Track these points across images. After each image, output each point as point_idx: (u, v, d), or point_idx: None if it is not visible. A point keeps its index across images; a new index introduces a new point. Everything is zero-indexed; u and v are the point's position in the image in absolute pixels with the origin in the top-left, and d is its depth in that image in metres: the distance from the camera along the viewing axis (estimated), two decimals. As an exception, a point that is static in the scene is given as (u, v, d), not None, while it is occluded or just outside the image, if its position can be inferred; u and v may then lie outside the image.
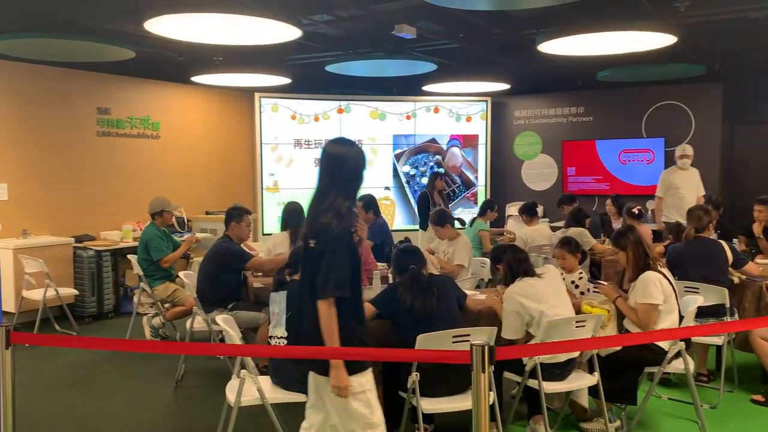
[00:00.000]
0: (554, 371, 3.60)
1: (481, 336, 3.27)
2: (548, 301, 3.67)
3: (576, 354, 3.66)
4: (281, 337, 3.61)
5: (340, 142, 2.87)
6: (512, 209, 9.70)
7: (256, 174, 9.27)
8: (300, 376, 3.47)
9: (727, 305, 4.46)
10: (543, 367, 3.51)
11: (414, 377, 3.23)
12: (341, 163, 2.77)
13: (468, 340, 3.28)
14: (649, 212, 8.76)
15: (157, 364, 5.36)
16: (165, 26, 5.03)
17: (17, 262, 6.44)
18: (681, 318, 3.99)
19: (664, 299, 3.87)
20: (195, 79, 7.83)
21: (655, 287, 3.82)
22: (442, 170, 9.60)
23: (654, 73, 7.76)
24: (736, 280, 4.91)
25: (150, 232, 6.07)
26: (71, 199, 7.48)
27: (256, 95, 9.08)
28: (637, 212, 6.70)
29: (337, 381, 2.64)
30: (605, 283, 4.21)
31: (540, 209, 8.87)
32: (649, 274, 3.87)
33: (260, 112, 9.18)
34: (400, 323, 3.59)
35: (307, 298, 2.74)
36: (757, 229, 5.87)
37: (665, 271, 4.02)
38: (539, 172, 10.37)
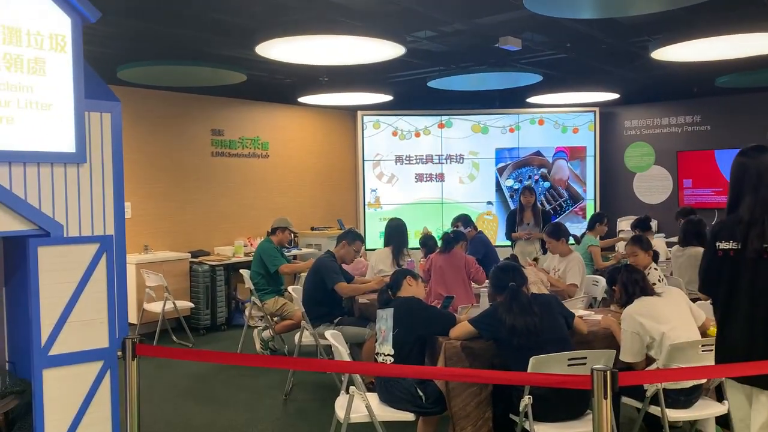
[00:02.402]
0: (678, 398, 3.36)
1: (599, 359, 3.10)
2: (670, 322, 3.44)
3: (703, 380, 3.40)
4: (388, 355, 3.61)
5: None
6: (624, 224, 9.26)
7: (359, 190, 9.41)
8: (407, 395, 3.45)
9: None
10: (666, 393, 3.28)
11: (527, 400, 3.11)
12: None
13: (584, 363, 3.13)
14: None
15: (267, 377, 5.50)
16: (275, 50, 5.22)
17: (139, 276, 6.85)
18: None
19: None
20: (302, 99, 8.08)
21: None
22: (528, 183, 9.29)
23: (779, 77, 7.19)
24: None
25: (265, 245, 6.28)
26: (187, 217, 7.90)
27: (359, 113, 9.24)
28: None
29: None
30: None
31: (654, 224, 8.42)
32: None
33: (362, 130, 9.32)
34: (503, 346, 3.46)
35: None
36: None
37: None
38: (653, 184, 9.86)
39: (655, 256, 5.25)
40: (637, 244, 4.92)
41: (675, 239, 8.31)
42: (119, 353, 2.88)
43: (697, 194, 9.34)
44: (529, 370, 3.11)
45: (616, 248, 7.67)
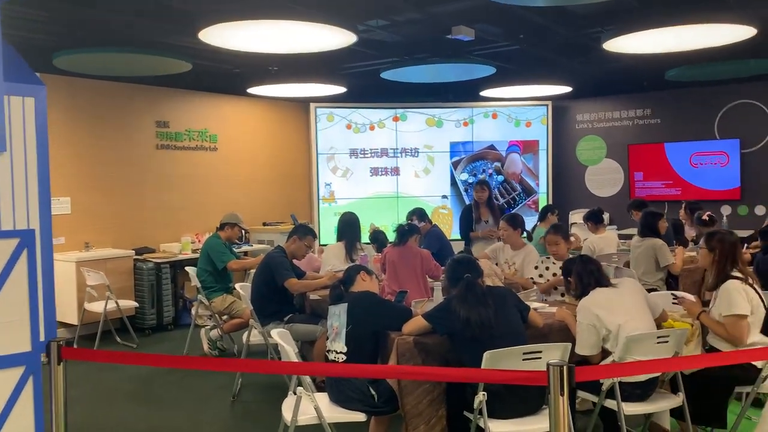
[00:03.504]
0: (634, 391, 3.30)
1: (554, 353, 3.02)
2: (626, 314, 3.38)
3: (659, 373, 3.35)
4: (340, 352, 3.46)
5: None
6: (576, 216, 9.32)
7: (313, 184, 9.22)
8: (359, 394, 3.30)
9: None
10: (622, 387, 3.22)
11: (481, 397, 3.00)
12: None
13: (539, 357, 3.04)
14: (724, 218, 8.24)
15: (215, 378, 5.28)
16: (220, 37, 5.00)
17: (80, 275, 6.52)
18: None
19: (751, 310, 3.52)
20: (251, 90, 7.84)
21: (740, 296, 3.47)
22: (483, 177, 9.22)
23: (728, 71, 7.30)
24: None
25: (212, 241, 6.05)
26: (131, 212, 7.57)
27: (312, 105, 9.04)
28: (707, 219, 6.28)
29: None
30: (687, 295, 3.86)
31: (606, 216, 8.47)
32: (731, 284, 3.53)
33: (316, 122, 9.13)
34: (457, 340, 3.35)
35: None
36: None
37: (753, 281, 3.66)
38: (604, 177, 9.95)
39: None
40: (559, 233, 4.88)
41: (627, 231, 8.42)
42: (44, 358, 2.65)
43: (647, 187, 9.45)
44: (483, 365, 3.00)
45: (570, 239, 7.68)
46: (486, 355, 2.99)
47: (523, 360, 3.02)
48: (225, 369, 2.48)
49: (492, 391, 3.02)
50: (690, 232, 7.00)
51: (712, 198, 8.81)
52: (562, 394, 2.19)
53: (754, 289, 3.58)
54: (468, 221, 6.93)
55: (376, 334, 3.52)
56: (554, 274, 4.87)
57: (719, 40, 5.54)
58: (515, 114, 9.72)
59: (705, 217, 6.29)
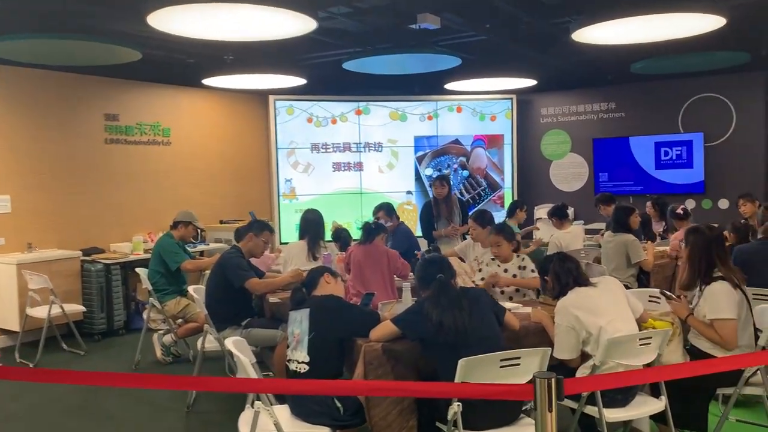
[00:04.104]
0: (615, 396, 3.12)
1: (533, 359, 2.81)
2: (607, 315, 3.19)
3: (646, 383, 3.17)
4: (302, 362, 3.19)
5: None
6: (541, 212, 9.20)
7: (272, 180, 8.87)
8: (323, 407, 3.05)
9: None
10: (603, 392, 3.03)
11: (455, 407, 2.77)
12: None
13: (518, 364, 2.83)
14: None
15: (167, 387, 4.94)
16: (169, 22, 4.64)
17: (21, 278, 6.08)
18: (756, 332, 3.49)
19: (738, 313, 3.37)
20: (206, 82, 7.46)
21: (728, 299, 3.32)
22: (447, 172, 8.98)
23: (693, 63, 7.23)
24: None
25: (165, 241, 5.71)
26: (79, 211, 7.13)
27: (271, 98, 8.69)
28: (682, 213, 6.18)
29: None
30: (674, 296, 3.68)
31: (570, 211, 8.37)
32: (716, 286, 3.38)
33: (275, 116, 8.79)
34: (429, 345, 3.12)
35: None
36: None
37: (740, 281, 3.50)
38: (569, 172, 9.86)
39: (516, 248, 4.88)
40: (501, 233, 4.55)
41: (594, 226, 8.34)
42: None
43: (611, 181, 9.40)
44: (457, 374, 2.77)
45: (534, 235, 7.56)
46: (461, 363, 2.76)
47: (501, 367, 2.80)
48: (170, 387, 2.19)
49: (467, 400, 2.79)
50: (658, 228, 6.92)
51: (676, 192, 8.79)
52: (551, 410, 1.97)
53: (741, 290, 3.43)
54: (429, 219, 6.69)
55: (341, 341, 3.26)
56: (482, 279, 4.54)
57: (688, 31, 5.43)
58: (480, 108, 9.55)
59: (679, 210, 6.19)
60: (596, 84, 9.30)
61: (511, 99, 9.56)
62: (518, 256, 4.60)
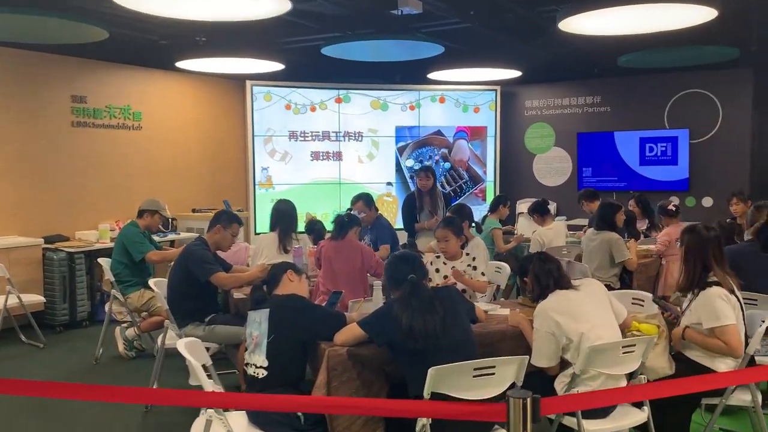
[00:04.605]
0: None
1: (509, 369, 2.61)
2: (589, 321, 2.99)
3: (621, 386, 2.98)
4: (260, 366, 2.96)
5: None
6: (523, 206, 9.01)
7: (248, 169, 8.59)
8: (283, 416, 2.82)
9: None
10: (582, 403, 2.84)
11: (424, 421, 2.56)
12: None
13: (492, 374, 2.62)
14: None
15: (126, 383, 4.70)
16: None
17: (-23, 267, 5.78)
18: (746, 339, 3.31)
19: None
20: (180, 64, 7.16)
21: (725, 304, 3.14)
22: (427, 164, 8.70)
23: (681, 58, 7.06)
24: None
25: (128, 230, 5.44)
26: (41, 196, 6.80)
27: (248, 83, 8.41)
28: (673, 209, 6.00)
29: None
30: (670, 306, 3.48)
31: (553, 206, 8.20)
32: (711, 291, 3.19)
33: (252, 102, 8.50)
34: (398, 351, 2.89)
35: None
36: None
37: (735, 286, 3.31)
38: (552, 166, 9.69)
39: (464, 245, 4.45)
40: (449, 227, 4.18)
41: (576, 222, 8.17)
42: None
43: (595, 176, 9.24)
44: (427, 383, 2.57)
45: (516, 231, 7.37)
46: (431, 371, 2.55)
47: (474, 377, 2.60)
48: (117, 400, 1.97)
49: (437, 413, 2.58)
50: (641, 226, 6.76)
51: (660, 188, 8.65)
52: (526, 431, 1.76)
53: (736, 296, 3.24)
54: (411, 211, 6.47)
55: (303, 344, 3.03)
56: (445, 277, 4.18)
57: (679, 22, 5.25)
58: (463, 99, 9.33)
59: (671, 207, 6.01)
60: (582, 77, 9.12)
61: (496, 90, 9.36)
62: (468, 254, 4.26)
